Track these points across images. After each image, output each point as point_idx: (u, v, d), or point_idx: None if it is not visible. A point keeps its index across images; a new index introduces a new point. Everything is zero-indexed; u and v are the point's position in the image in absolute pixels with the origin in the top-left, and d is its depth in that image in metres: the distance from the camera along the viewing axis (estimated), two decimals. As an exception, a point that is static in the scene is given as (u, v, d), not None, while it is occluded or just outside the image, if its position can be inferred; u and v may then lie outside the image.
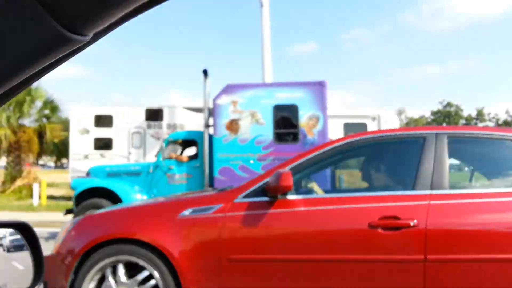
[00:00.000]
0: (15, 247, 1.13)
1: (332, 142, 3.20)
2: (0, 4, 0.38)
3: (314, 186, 3.47)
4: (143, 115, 13.52)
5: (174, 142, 8.28)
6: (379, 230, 2.62)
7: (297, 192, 3.02)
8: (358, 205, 2.80)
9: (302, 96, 7.66)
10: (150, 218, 3.07)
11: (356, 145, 3.27)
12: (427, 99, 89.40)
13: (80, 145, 14.01)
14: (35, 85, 16.74)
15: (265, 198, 2.86)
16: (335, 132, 12.77)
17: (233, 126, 7.75)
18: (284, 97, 7.72)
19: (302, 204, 2.85)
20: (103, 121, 14.14)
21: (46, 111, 18.40)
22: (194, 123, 12.63)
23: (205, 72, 8.08)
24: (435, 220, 2.63)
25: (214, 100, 7.86)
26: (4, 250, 1.15)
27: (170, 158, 8.10)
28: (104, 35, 0.48)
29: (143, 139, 13.40)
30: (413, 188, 2.83)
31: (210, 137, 8.04)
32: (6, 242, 1.14)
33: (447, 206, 2.72)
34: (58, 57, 0.45)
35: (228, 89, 7.86)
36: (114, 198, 8.02)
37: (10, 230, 1.13)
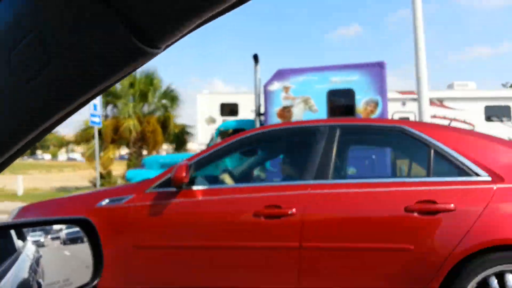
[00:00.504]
0: (71, 240, 1.17)
1: (237, 135, 3.32)
2: (82, 21, 0.41)
3: (226, 177, 3.57)
4: None
5: (225, 132, 8.09)
6: (262, 218, 2.75)
7: (210, 183, 3.17)
8: (245, 195, 2.94)
9: (358, 80, 7.12)
10: (73, 207, 3.23)
11: (258, 138, 3.49)
12: (481, 81, 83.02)
13: (207, 134, 12.94)
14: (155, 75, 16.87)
15: (172, 189, 2.97)
16: (475, 116, 12.01)
17: (285, 113, 7.41)
18: (339, 81, 7.23)
19: (200, 194, 2.96)
20: (228, 109, 13.54)
21: (165, 101, 17.87)
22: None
23: (255, 57, 7.78)
24: (312, 209, 2.74)
25: (265, 86, 7.55)
26: (61, 243, 1.19)
27: None
28: (173, 44, 0.49)
29: None
30: (299, 178, 3.00)
31: (262, 125, 7.77)
32: (62, 235, 1.18)
33: (324, 196, 2.80)
34: (131, 70, 0.47)
35: (280, 74, 7.51)
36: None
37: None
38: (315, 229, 2.71)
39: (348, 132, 3.22)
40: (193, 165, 3.01)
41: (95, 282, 1.11)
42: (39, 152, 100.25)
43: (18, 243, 1.13)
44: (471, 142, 2.90)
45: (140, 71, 16.20)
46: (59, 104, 0.48)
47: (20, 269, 1.08)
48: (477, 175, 2.61)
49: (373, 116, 7.00)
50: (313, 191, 2.80)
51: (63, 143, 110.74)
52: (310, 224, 2.70)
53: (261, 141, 3.69)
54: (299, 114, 7.34)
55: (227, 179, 3.54)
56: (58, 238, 1.18)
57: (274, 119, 7.44)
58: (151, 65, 17.32)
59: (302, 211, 2.71)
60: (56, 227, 1.18)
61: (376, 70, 7.08)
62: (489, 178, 2.58)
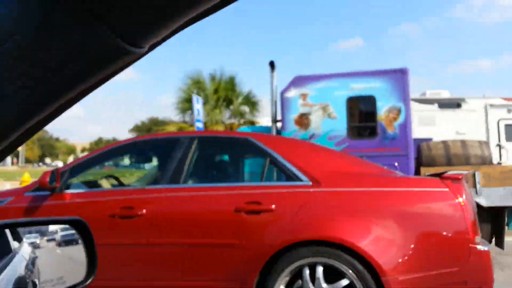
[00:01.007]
0: (66, 242, 1.18)
1: (109, 145, 3.80)
2: (64, 21, 0.42)
3: (104, 182, 3.96)
4: None
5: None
6: (117, 218, 3.12)
7: (86, 187, 3.60)
8: (106, 198, 3.34)
9: (380, 86, 6.86)
10: None
11: (130, 148, 3.96)
12: (484, 92, 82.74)
13: None
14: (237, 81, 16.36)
15: (47, 192, 3.29)
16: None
17: (303, 120, 7.15)
18: (360, 87, 6.97)
19: (68, 197, 3.30)
20: None
21: (244, 107, 17.31)
22: (419, 116, 11.39)
23: (271, 64, 7.57)
24: (160, 210, 3.15)
25: (282, 93, 7.31)
26: (56, 244, 1.20)
27: None
28: (159, 45, 0.50)
29: None
30: (157, 183, 3.43)
31: (278, 132, 7.53)
32: (58, 237, 1.19)
33: (173, 198, 3.19)
34: (116, 69, 0.48)
35: (297, 81, 7.28)
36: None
37: (62, 225, 1.20)
38: (160, 228, 3.08)
39: (204, 143, 3.63)
40: (67, 171, 3.41)
41: (89, 280, 1.14)
42: (48, 160, 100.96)
43: (13, 244, 1.14)
44: (300, 152, 3.31)
45: (220, 75, 16.17)
46: (44, 103, 0.49)
47: (15, 269, 1.08)
48: (300, 180, 3.01)
49: (396, 123, 6.73)
50: (164, 194, 3.21)
51: (72, 151, 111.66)
52: (156, 223, 3.09)
53: (132, 150, 4.23)
54: (317, 121, 7.08)
55: (104, 184, 3.97)
56: (53, 239, 1.19)
57: (291, 126, 7.19)
58: (231, 69, 17.01)
59: (151, 212, 3.12)
60: (52, 228, 1.19)
61: (398, 77, 6.82)
62: (310, 183, 2.97)
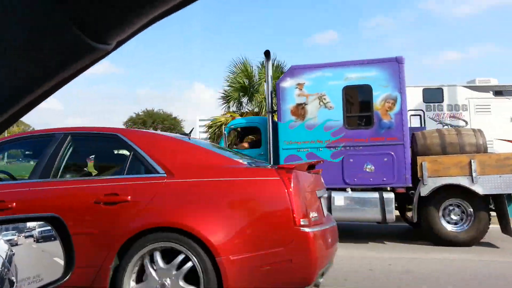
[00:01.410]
0: (44, 238, 1.18)
1: None
2: (32, 17, 0.42)
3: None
4: (420, 96, 11.43)
5: (235, 129, 7.83)
6: None
7: None
8: None
9: (376, 75, 6.86)
10: None
11: (14, 143, 4.25)
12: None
13: None
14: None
15: None
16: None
17: (299, 110, 7.15)
18: (355, 77, 6.97)
19: None
20: None
21: None
22: (475, 104, 11.20)
23: (267, 54, 7.53)
24: (26, 203, 3.33)
25: (278, 83, 7.29)
26: (34, 240, 1.19)
27: (236, 146, 7.70)
28: (126, 41, 0.50)
29: (423, 122, 11.32)
30: (30, 178, 3.57)
31: (275, 123, 7.53)
32: (35, 233, 1.18)
33: (39, 192, 3.40)
34: (84, 64, 0.49)
35: (293, 71, 7.26)
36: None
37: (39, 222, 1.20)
38: None
39: (76, 139, 3.75)
40: None
41: (67, 277, 1.13)
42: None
43: None
44: (161, 146, 3.49)
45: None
46: (13, 99, 0.51)
47: None
48: (157, 172, 3.23)
49: (392, 113, 6.75)
50: (34, 188, 3.41)
51: None
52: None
53: (10, 147, 4.43)
54: (313, 111, 7.08)
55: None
56: (31, 236, 1.19)
57: (288, 117, 7.19)
58: (277, 59, 16.10)
59: (21, 205, 3.28)
60: (30, 225, 1.18)
61: (394, 66, 6.82)
62: (165, 175, 3.19)
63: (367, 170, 6.78)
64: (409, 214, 7.23)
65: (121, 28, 0.44)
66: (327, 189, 6.91)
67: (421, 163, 6.65)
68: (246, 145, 7.97)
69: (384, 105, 6.80)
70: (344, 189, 6.85)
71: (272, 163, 7.29)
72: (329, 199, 6.78)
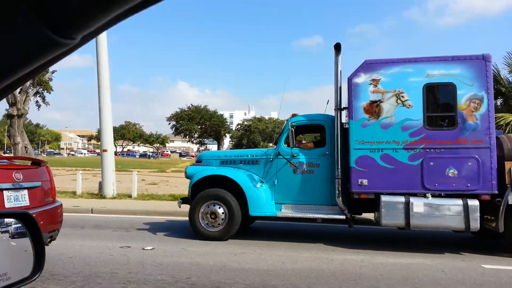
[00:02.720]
0: (19, 234, 1.18)
1: None
2: None
3: None
4: None
5: (297, 127, 7.29)
6: None
7: None
8: None
9: (460, 73, 6.37)
10: None
11: None
12: None
13: None
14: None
15: None
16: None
17: (373, 108, 6.63)
18: (438, 74, 6.47)
19: None
20: None
21: None
22: None
23: (337, 47, 7.01)
24: None
25: (351, 78, 6.77)
26: (10, 236, 1.19)
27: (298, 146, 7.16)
28: (93, 38, 0.50)
29: None
30: None
31: (343, 121, 7.01)
32: (11, 229, 1.19)
33: None
34: (48, 59, 0.48)
35: (367, 65, 6.75)
36: (230, 187, 7.23)
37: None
38: None
39: None
40: None
41: (36, 276, 1.12)
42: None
43: None
44: None
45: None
46: None
47: None
48: None
49: (478, 113, 6.26)
50: None
51: (57, 137, 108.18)
52: None
53: None
54: (390, 109, 6.57)
55: None
56: (7, 232, 1.18)
57: (361, 114, 6.67)
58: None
59: None
60: (7, 220, 1.18)
61: (480, 64, 6.34)
62: None
63: (450, 174, 6.27)
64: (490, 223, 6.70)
65: (85, 22, 0.44)
66: (404, 194, 6.45)
67: (510, 168, 6.16)
68: (310, 144, 7.44)
69: (470, 105, 6.31)
70: (423, 195, 6.33)
71: (340, 163, 6.77)
72: (407, 204, 6.28)
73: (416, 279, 4.89)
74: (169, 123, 60.77)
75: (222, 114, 60.73)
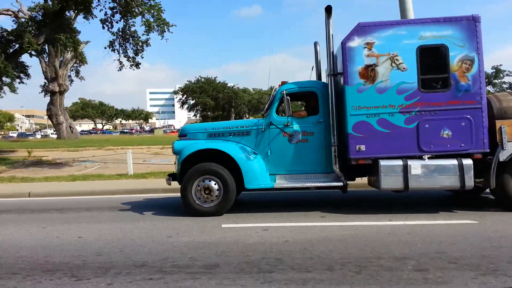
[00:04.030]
0: None
1: None
2: None
3: None
4: None
5: (287, 95, 7.04)
6: None
7: None
8: None
9: (452, 34, 6.40)
10: None
11: None
12: None
13: None
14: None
15: None
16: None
17: (368, 72, 6.53)
18: (430, 35, 6.46)
19: None
20: None
21: None
22: None
23: (328, 9, 6.77)
24: None
25: (344, 43, 6.59)
26: None
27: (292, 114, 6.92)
28: None
29: None
30: None
31: (338, 87, 6.86)
32: None
33: None
34: None
35: (361, 29, 6.58)
36: (220, 161, 6.91)
37: None
38: None
39: None
40: None
41: None
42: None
43: None
44: None
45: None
46: None
47: None
48: None
49: (469, 74, 6.36)
50: None
51: (10, 118, 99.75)
52: None
53: None
54: (385, 73, 6.50)
55: None
56: None
57: (356, 79, 6.54)
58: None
59: None
60: None
61: (470, 25, 6.39)
62: None
63: (444, 135, 6.38)
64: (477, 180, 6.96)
65: None
66: (401, 157, 6.50)
67: (500, 127, 6.37)
68: (303, 113, 7.23)
69: (461, 66, 6.39)
70: (420, 157, 6.41)
71: (336, 130, 6.67)
72: (405, 167, 6.33)
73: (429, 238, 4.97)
74: (176, 97, 56.87)
75: (233, 86, 56.87)
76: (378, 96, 6.50)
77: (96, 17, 19.34)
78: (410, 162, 6.35)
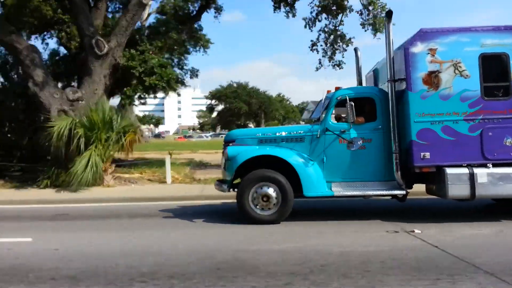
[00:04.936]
0: None
1: None
2: None
3: None
4: None
5: (344, 101, 6.84)
6: None
7: None
8: None
9: None
10: None
11: None
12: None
13: None
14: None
15: None
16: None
17: (432, 79, 6.45)
18: (491, 43, 6.47)
19: None
20: None
21: None
22: None
23: (388, 14, 6.67)
24: None
25: (407, 48, 6.49)
26: None
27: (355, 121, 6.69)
28: None
29: None
30: None
31: (398, 93, 6.73)
32: None
33: None
34: None
35: (423, 34, 6.52)
36: (275, 167, 6.60)
37: None
38: None
39: None
40: None
41: None
42: None
43: None
44: None
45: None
46: None
47: None
48: None
49: (531, 84, 6.40)
50: None
51: None
52: None
53: None
54: (448, 79, 6.44)
55: None
56: None
57: (420, 86, 6.45)
58: None
59: None
60: None
61: (532, 33, 6.47)
62: None
63: (507, 144, 6.38)
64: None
65: None
66: (464, 165, 6.42)
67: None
68: (361, 119, 7.04)
69: (523, 75, 6.43)
70: (484, 165, 6.36)
71: (397, 137, 6.52)
72: (471, 176, 6.26)
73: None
74: (207, 103, 55.21)
75: (265, 92, 55.10)
76: (442, 103, 6.42)
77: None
78: (476, 170, 6.28)
